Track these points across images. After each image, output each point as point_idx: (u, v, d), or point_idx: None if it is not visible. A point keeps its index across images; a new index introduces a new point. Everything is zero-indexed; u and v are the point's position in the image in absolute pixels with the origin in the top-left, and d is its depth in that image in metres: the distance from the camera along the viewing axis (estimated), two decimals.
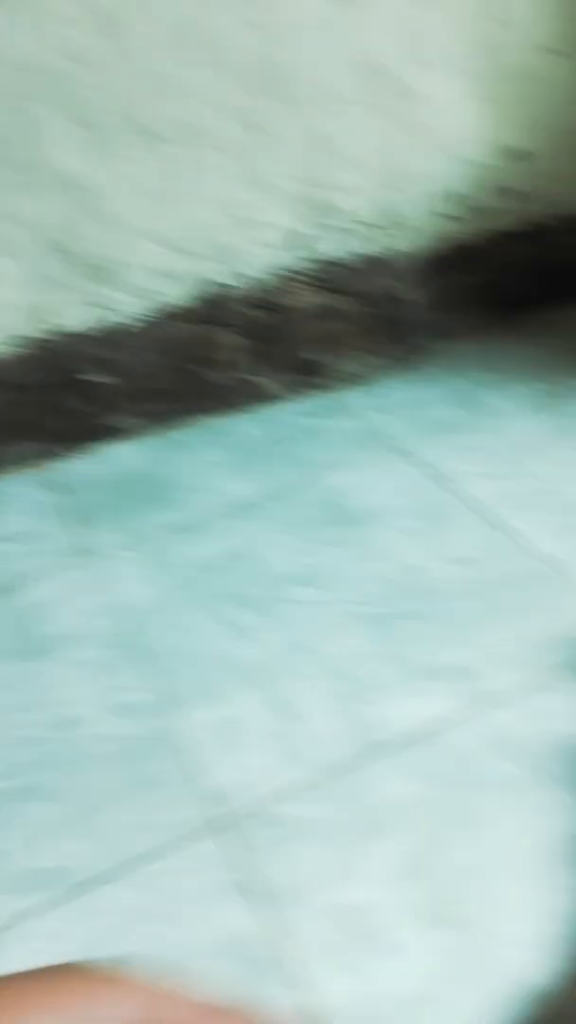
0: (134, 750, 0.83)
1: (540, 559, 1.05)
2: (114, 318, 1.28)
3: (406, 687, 0.89)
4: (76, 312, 1.26)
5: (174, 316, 1.32)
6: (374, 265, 1.43)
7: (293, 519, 1.14)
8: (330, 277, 1.40)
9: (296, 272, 1.37)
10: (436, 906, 0.71)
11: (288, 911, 0.70)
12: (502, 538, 1.09)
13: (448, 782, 0.80)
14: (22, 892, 0.72)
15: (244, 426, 1.36)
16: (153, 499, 1.20)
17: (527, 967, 0.66)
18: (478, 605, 0.99)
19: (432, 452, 1.26)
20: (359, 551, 1.08)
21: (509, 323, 1.58)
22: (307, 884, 0.72)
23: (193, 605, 1.01)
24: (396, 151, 1.38)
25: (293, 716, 0.86)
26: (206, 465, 1.26)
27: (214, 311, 1.34)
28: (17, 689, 0.91)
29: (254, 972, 0.67)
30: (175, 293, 1.31)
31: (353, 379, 1.46)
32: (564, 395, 1.38)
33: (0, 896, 0.72)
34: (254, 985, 0.66)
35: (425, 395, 1.40)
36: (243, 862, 0.74)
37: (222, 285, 1.34)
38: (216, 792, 0.79)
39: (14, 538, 1.16)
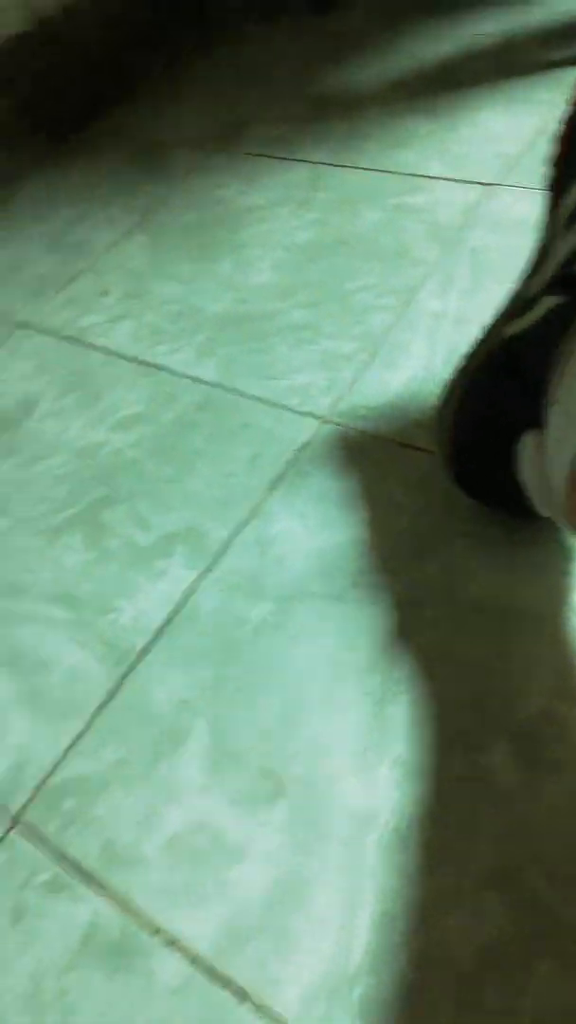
0: None
1: (204, 388, 0.98)
2: None
3: (139, 578, 0.80)
4: None
5: None
6: None
7: None
8: None
9: None
10: (263, 783, 0.64)
11: (125, 873, 0.61)
12: (162, 379, 1.01)
13: (215, 650, 0.73)
14: None
15: None
16: None
17: (363, 793, 0.63)
18: (168, 460, 0.92)
19: (52, 314, 1.14)
20: (26, 454, 0.96)
21: (76, 141, 1.48)
22: (131, 835, 0.63)
23: None
24: None
25: (38, 669, 0.75)
26: None
27: None
28: None
29: (121, 957, 0.58)
30: None
31: None
32: (151, 205, 1.31)
33: None
34: (126, 971, 0.57)
35: (16, 252, 1.28)
36: (55, 850, 0.63)
37: None
38: None
39: None
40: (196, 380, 1.00)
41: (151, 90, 1.63)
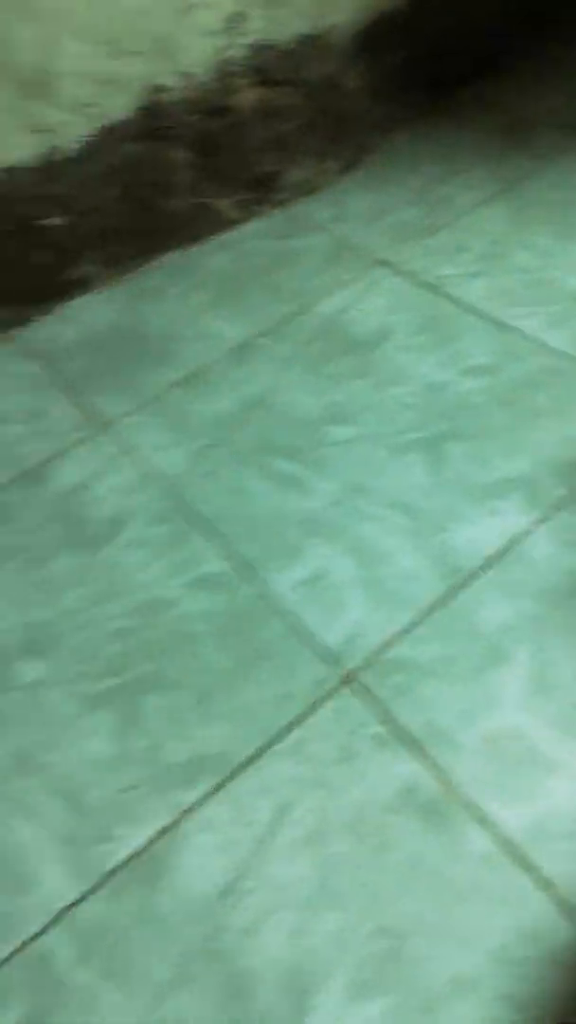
0: (234, 623, 0.80)
1: (553, 355, 1.02)
2: (55, 142, 1.14)
3: (473, 509, 0.86)
4: (14, 140, 1.11)
5: (117, 134, 1.18)
6: (310, 46, 1.33)
7: (300, 355, 1.09)
8: (269, 66, 1.29)
9: (236, 64, 1.26)
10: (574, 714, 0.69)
11: (444, 750, 0.68)
12: (511, 339, 1.06)
13: (542, 593, 0.78)
14: (181, 786, 0.69)
15: (213, 259, 1.28)
16: (146, 356, 1.13)
17: None
18: (511, 412, 0.96)
19: (411, 259, 1.21)
20: (378, 377, 1.04)
21: (444, 105, 1.54)
22: (452, 721, 0.70)
23: (231, 464, 0.96)
24: None
25: (377, 560, 0.83)
26: (188, 310, 1.19)
27: (158, 122, 1.21)
28: (90, 581, 0.86)
29: (435, 816, 0.65)
30: (115, 103, 1.17)
31: (307, 189, 1.39)
32: (516, 177, 1.34)
33: (162, 792, 0.69)
34: (438, 830, 0.65)
35: (384, 198, 1.35)
36: (383, 712, 0.71)
37: (162, 89, 1.20)
38: (331, 649, 0.76)
39: (16, 419, 1.06)
40: (545, 346, 1.04)
41: (526, 67, 1.65)
